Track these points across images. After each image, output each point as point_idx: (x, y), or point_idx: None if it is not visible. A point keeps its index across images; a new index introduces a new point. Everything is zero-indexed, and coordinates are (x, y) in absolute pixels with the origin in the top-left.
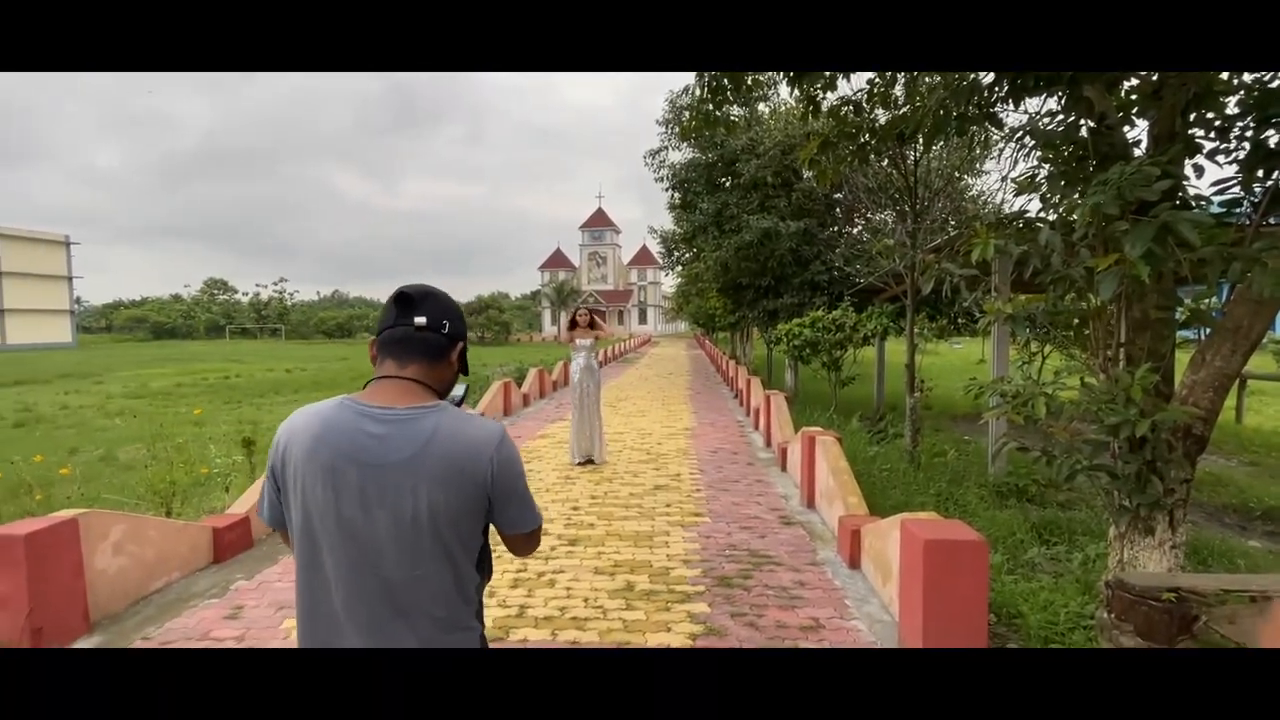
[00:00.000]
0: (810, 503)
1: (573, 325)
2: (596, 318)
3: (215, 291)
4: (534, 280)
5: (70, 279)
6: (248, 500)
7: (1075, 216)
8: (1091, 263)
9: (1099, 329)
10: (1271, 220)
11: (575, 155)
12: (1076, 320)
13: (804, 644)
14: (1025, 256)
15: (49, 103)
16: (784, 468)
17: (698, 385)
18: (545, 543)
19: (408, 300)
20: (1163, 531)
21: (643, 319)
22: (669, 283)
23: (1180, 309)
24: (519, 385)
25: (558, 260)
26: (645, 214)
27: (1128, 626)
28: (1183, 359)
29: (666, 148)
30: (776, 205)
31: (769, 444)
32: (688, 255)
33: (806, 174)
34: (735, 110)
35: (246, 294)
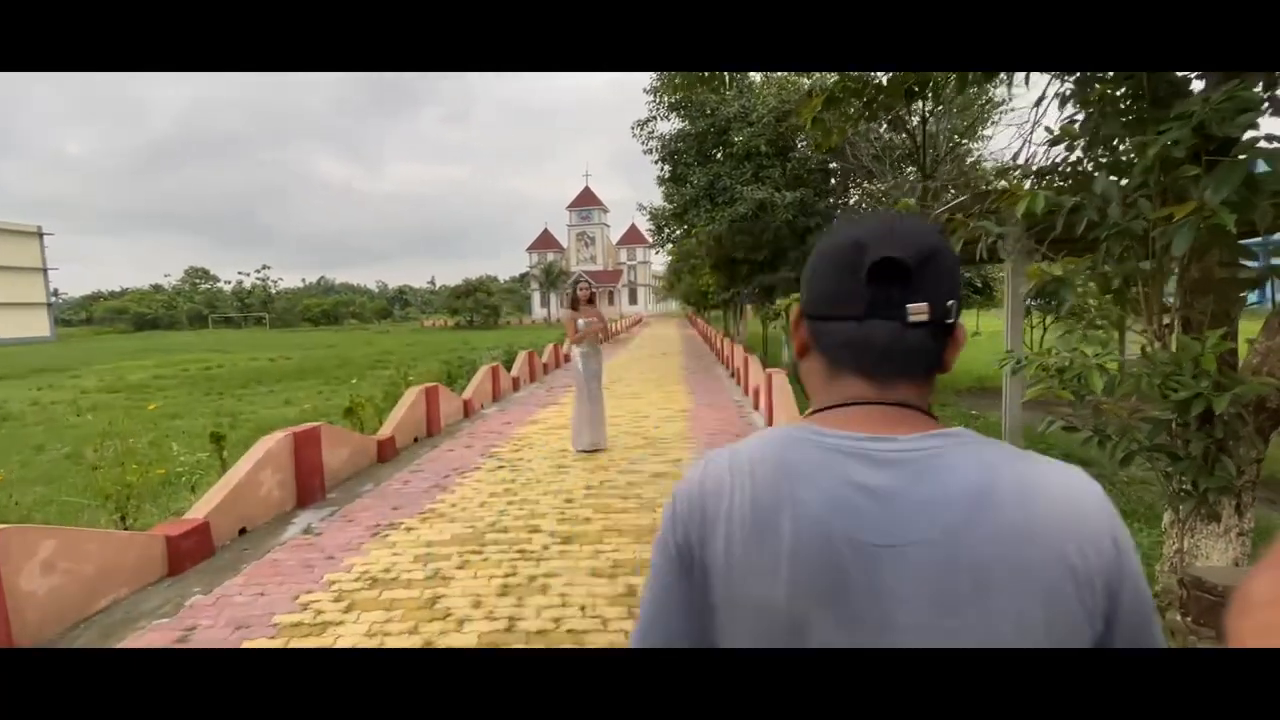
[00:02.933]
0: None
1: (574, 303)
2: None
3: (197, 280)
4: (522, 262)
5: (45, 271)
6: (208, 502)
7: (1135, 162)
8: (1164, 212)
9: (1154, 292)
10: None
11: (563, 134)
12: (1118, 283)
13: None
14: (1079, 208)
15: (17, 88)
16: None
17: (692, 364)
18: (536, 541)
19: (893, 267)
20: (1229, 517)
21: (633, 299)
22: (659, 261)
23: (1252, 265)
24: (507, 369)
25: (546, 241)
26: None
27: (1208, 632)
28: (1245, 328)
29: (655, 118)
30: (771, 175)
31: (771, 423)
32: (678, 232)
33: (801, 142)
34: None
35: (229, 282)
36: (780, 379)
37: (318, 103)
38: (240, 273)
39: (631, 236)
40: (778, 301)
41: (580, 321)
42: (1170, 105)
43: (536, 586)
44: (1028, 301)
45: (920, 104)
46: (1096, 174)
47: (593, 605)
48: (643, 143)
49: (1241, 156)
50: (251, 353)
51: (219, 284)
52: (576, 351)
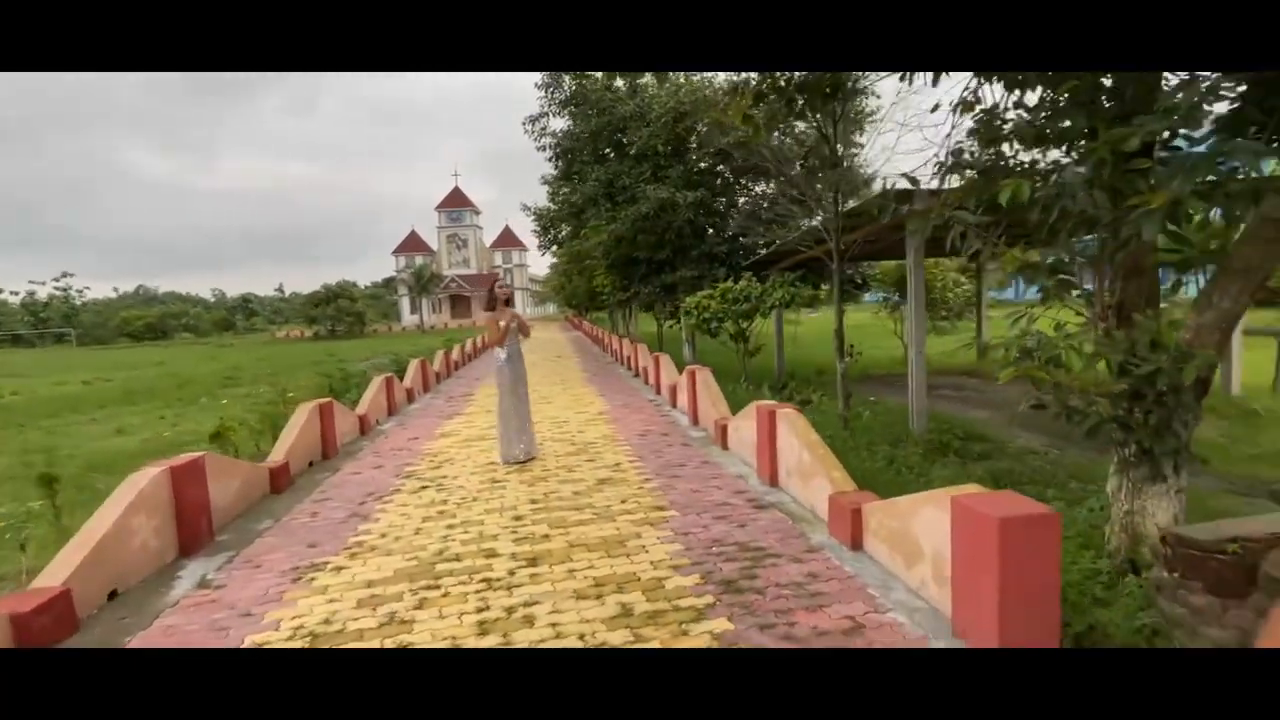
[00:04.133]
0: (773, 481)
1: (493, 304)
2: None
3: None
4: (384, 266)
5: None
6: (65, 563)
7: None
8: (1137, 201)
9: (1099, 277)
10: None
11: (423, 132)
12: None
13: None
14: (1052, 200)
15: None
16: (725, 446)
17: (591, 366)
18: (498, 567)
19: None
20: (1170, 478)
21: (509, 303)
22: (538, 264)
23: (1185, 250)
24: (399, 378)
25: (413, 244)
26: (502, 194)
27: (1196, 584)
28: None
29: (547, 114)
30: (669, 175)
31: (696, 422)
32: (565, 231)
33: (693, 143)
34: (618, 80)
35: (17, 293)
36: (705, 374)
37: (125, 87)
38: (32, 282)
39: (506, 239)
40: (687, 299)
41: (501, 323)
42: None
43: (519, 619)
44: (884, 298)
45: (834, 106)
46: (1062, 168)
47: (591, 633)
48: (535, 139)
49: (1199, 151)
50: (57, 376)
51: (2, 295)
52: (501, 354)
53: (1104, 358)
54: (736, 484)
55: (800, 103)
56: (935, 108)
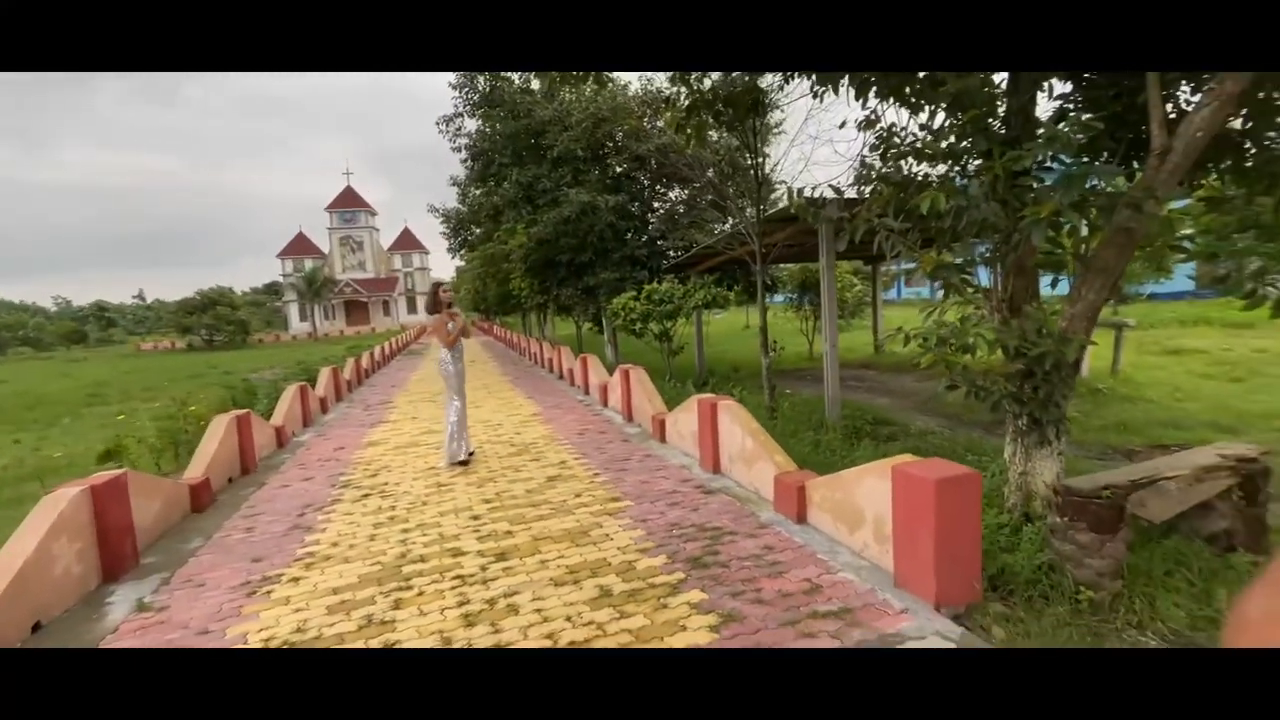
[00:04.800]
0: (716, 469)
1: (438, 306)
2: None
3: None
4: (267, 270)
5: None
6: None
7: (989, 171)
8: (1030, 211)
9: (996, 275)
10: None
11: (306, 129)
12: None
13: (813, 606)
14: (960, 210)
15: None
16: (664, 439)
17: (511, 371)
18: (468, 564)
19: None
20: (1054, 442)
21: (411, 308)
22: (441, 266)
23: (1058, 253)
24: (312, 385)
25: (302, 246)
26: (397, 195)
27: (1081, 525)
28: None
29: (463, 114)
30: (589, 179)
31: (630, 419)
32: (478, 234)
33: (608, 147)
34: (534, 83)
35: None
36: (639, 373)
37: None
38: None
39: (406, 242)
40: (613, 301)
41: (449, 325)
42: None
43: (503, 609)
44: (789, 299)
45: (754, 120)
46: (968, 182)
47: (578, 614)
48: (450, 139)
49: (1080, 171)
50: None
51: None
52: (448, 356)
53: (1002, 343)
54: (681, 473)
55: (726, 114)
56: (843, 124)
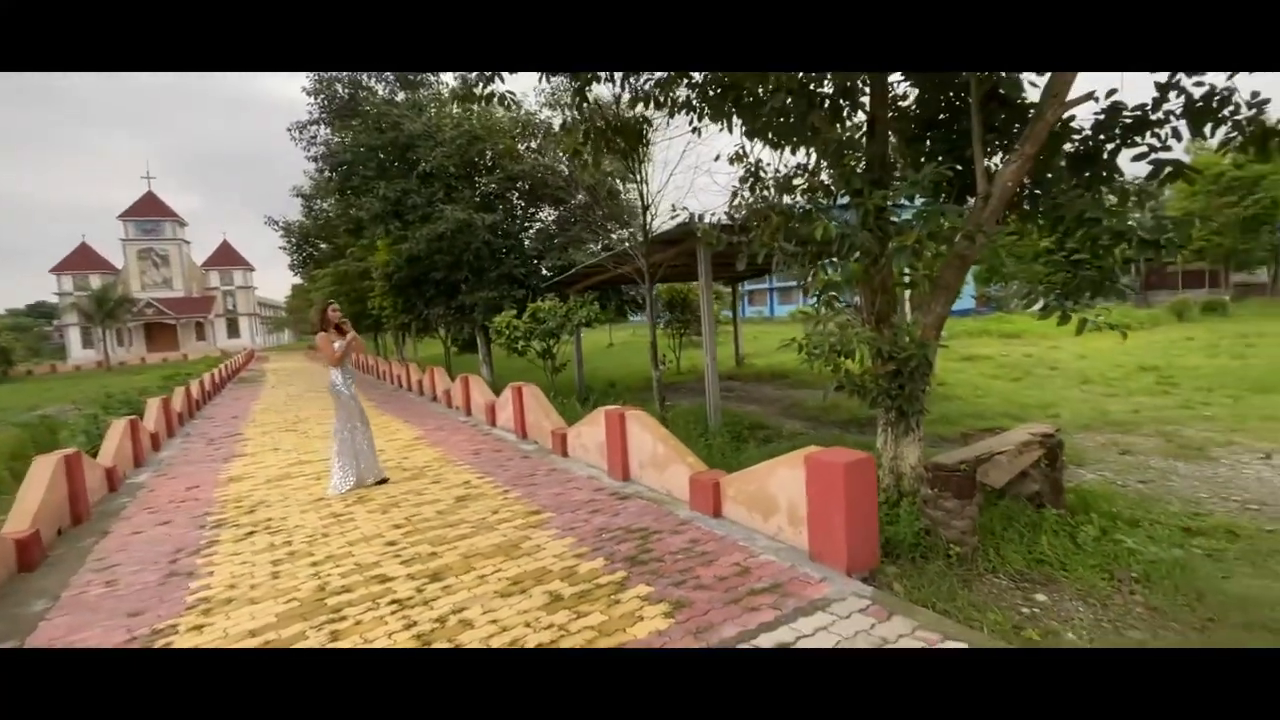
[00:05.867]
0: (625, 476)
1: (325, 324)
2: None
3: None
4: (37, 288)
5: None
6: None
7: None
8: (895, 240)
9: (867, 292)
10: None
11: (87, 126)
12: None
13: (749, 585)
14: (842, 237)
15: None
16: (565, 453)
17: (375, 395)
18: (403, 588)
19: None
20: (915, 430)
21: (233, 331)
22: (269, 285)
23: (913, 274)
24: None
25: (85, 260)
26: (209, 204)
27: (946, 494)
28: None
29: (319, 122)
30: (463, 196)
31: (524, 436)
32: (326, 250)
33: (478, 165)
34: (400, 94)
35: None
36: (533, 390)
37: None
38: None
39: (225, 257)
40: (496, 320)
41: (335, 344)
42: (874, 169)
43: (456, 625)
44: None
45: (640, 148)
46: (848, 214)
47: (535, 619)
48: (304, 148)
49: (934, 209)
50: None
51: None
52: (339, 378)
53: (876, 348)
54: (592, 484)
55: (617, 143)
56: (717, 157)
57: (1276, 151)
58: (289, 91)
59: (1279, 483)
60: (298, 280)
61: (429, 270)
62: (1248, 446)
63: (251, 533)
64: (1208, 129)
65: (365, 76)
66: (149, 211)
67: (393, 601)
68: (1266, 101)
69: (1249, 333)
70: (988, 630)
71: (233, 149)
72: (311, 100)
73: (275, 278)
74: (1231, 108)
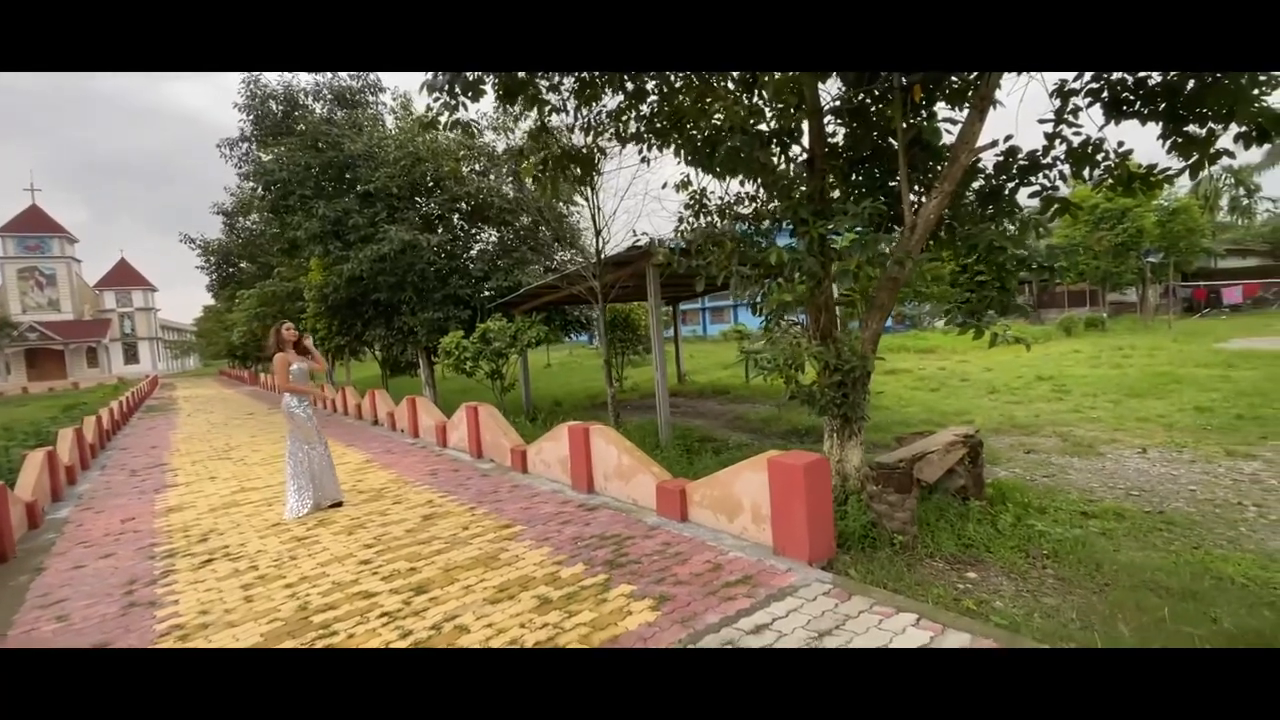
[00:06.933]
0: (590, 488)
1: (281, 345)
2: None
3: None
4: None
5: None
6: None
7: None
8: (837, 265)
9: (813, 311)
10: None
11: None
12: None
13: (723, 579)
14: (793, 261)
15: None
16: (525, 469)
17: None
18: (389, 601)
19: None
20: (858, 435)
21: (132, 356)
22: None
23: (850, 294)
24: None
25: None
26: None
27: (889, 489)
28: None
29: (251, 140)
30: (407, 217)
31: (480, 455)
32: (248, 270)
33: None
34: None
35: None
36: (488, 409)
37: None
38: None
39: (122, 276)
40: (444, 340)
41: (294, 366)
42: (817, 198)
43: (452, 631)
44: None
45: (593, 175)
46: (797, 241)
47: (529, 621)
48: (235, 165)
49: (871, 238)
50: None
51: None
52: (294, 400)
53: (824, 361)
54: (556, 497)
55: (573, 170)
56: (665, 185)
57: (1139, 189)
58: (197, 102)
59: (1154, 473)
60: (210, 301)
61: (369, 291)
62: (1127, 443)
63: (209, 560)
64: (1085, 171)
65: (303, 95)
66: (32, 227)
67: (382, 614)
68: (1130, 152)
69: (1124, 345)
70: (932, 602)
71: (134, 161)
72: (243, 117)
73: (182, 299)
74: (1103, 154)
